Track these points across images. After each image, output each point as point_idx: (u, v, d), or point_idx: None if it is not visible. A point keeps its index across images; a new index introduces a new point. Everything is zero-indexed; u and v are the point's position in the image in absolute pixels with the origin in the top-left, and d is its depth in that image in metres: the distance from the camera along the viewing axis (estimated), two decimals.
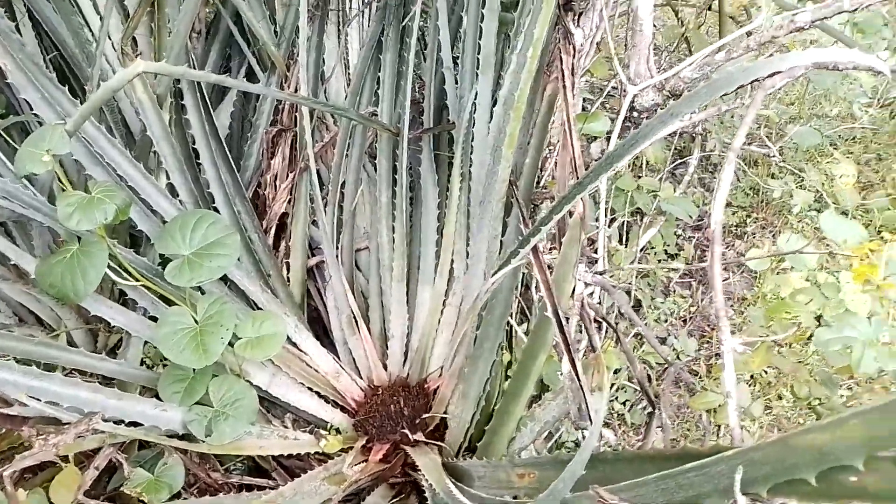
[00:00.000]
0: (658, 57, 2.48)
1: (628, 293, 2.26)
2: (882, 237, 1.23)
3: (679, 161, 2.50)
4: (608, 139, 1.31)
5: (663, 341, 2.25)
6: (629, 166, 2.20)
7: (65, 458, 1.22)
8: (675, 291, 2.43)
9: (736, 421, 0.73)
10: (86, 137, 1.32)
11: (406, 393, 1.65)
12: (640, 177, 2.16)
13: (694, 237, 2.58)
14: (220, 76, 1.21)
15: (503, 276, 1.07)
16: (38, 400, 1.05)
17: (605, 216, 1.47)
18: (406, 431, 1.52)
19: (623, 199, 2.10)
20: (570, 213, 1.00)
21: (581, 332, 1.07)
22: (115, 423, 1.13)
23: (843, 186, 2.01)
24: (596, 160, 1.31)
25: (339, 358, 1.66)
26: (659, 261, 2.46)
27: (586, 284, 0.99)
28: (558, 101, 1.17)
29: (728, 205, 2.67)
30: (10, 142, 1.40)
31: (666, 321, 2.32)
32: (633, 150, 0.85)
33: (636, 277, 2.32)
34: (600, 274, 1.01)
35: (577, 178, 1.03)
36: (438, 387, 1.58)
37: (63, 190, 1.16)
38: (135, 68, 1.02)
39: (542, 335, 1.04)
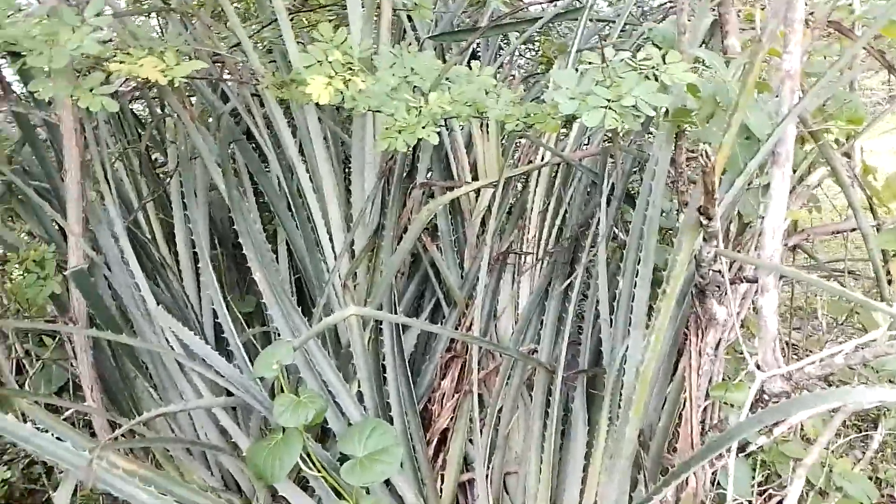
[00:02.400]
0: (821, 330, 2.46)
1: None
2: None
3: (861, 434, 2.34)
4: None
5: None
6: (795, 431, 2.13)
7: None
8: None
9: None
10: (304, 348, 1.71)
11: None
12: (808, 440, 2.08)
13: None
14: (409, 319, 1.55)
15: None
16: None
17: (750, 485, 1.49)
18: None
19: (789, 466, 2.02)
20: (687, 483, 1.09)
21: None
22: None
23: None
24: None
25: None
26: None
27: None
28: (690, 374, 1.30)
29: None
30: (255, 345, 1.85)
31: None
32: (731, 441, 0.96)
33: None
34: None
35: (694, 452, 1.14)
36: None
37: (281, 391, 1.51)
38: (349, 311, 1.38)
39: None
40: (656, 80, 1.08)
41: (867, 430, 2.30)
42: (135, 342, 1.64)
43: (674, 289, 1.18)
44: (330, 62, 1.26)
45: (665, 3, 2.90)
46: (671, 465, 1.33)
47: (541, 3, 2.16)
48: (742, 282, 1.29)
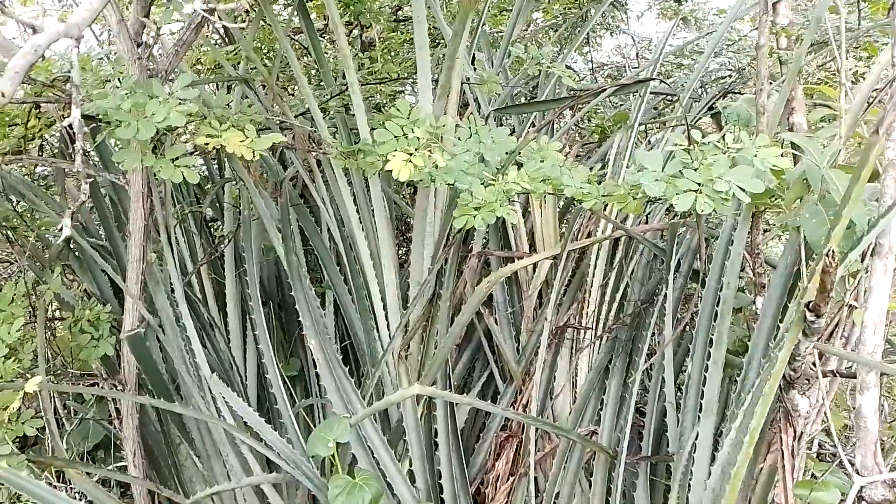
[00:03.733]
0: None
1: None
2: None
3: None
4: None
5: None
6: None
7: None
8: None
9: None
10: (358, 424, 1.65)
11: None
12: None
13: None
14: (471, 399, 1.49)
15: None
16: None
17: None
18: None
19: None
20: None
21: None
22: None
23: None
24: None
25: None
26: None
27: None
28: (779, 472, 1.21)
29: None
30: (308, 420, 1.79)
31: None
32: None
33: None
34: None
35: None
36: None
37: (334, 470, 1.45)
38: (412, 391, 1.33)
39: None
40: (752, 165, 1.05)
41: None
42: (187, 411, 1.61)
43: (773, 386, 1.11)
44: (406, 137, 1.25)
45: (721, 77, 2.90)
46: None
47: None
48: (835, 376, 1.21)
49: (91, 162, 2.00)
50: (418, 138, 1.27)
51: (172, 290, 1.88)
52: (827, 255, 0.88)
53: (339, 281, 2.01)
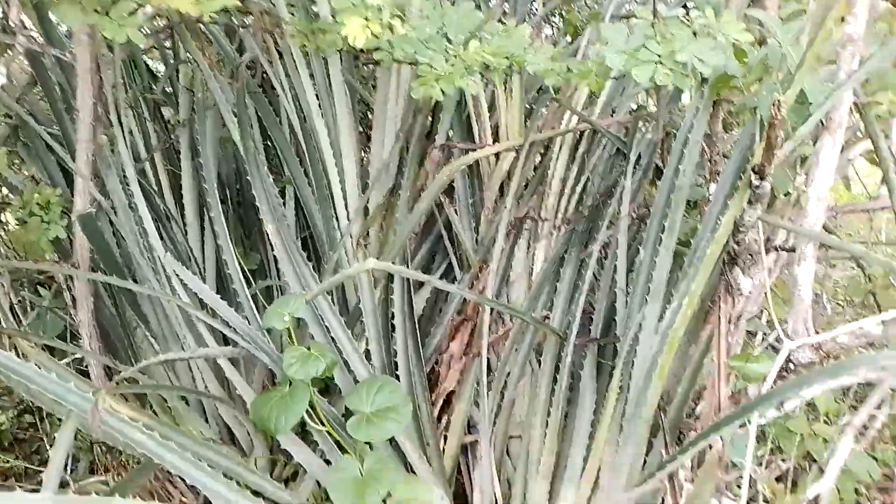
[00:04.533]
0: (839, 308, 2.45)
1: None
2: None
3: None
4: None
5: None
6: (804, 410, 2.12)
7: None
8: None
9: None
10: (314, 303, 1.67)
11: None
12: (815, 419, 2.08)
13: (878, 499, 2.32)
14: (425, 276, 1.52)
15: (638, 496, 1.14)
16: None
17: (754, 458, 1.47)
18: None
19: (792, 440, 2.02)
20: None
21: None
22: None
23: None
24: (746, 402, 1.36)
25: None
26: None
27: None
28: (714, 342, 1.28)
29: None
30: (262, 300, 1.81)
31: None
32: (769, 401, 0.94)
33: None
34: None
35: (719, 418, 1.11)
36: None
37: (291, 343, 1.48)
38: (367, 265, 1.34)
39: None
40: (713, 38, 1.04)
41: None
42: (140, 288, 1.60)
43: (715, 252, 1.15)
44: (366, 5, 1.21)
45: None
46: (690, 430, 1.31)
47: None
48: (778, 251, 1.26)
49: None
50: (379, 8, 1.23)
51: (125, 175, 1.84)
52: (773, 105, 0.90)
53: (298, 173, 1.98)
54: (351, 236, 1.79)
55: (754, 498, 1.75)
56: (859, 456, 2.04)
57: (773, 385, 1.37)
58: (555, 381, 1.77)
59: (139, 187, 1.83)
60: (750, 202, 1.09)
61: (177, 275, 1.65)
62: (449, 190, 2.05)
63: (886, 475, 2.36)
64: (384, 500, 1.44)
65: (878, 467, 2.11)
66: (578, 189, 1.95)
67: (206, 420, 1.89)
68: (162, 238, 1.96)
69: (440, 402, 1.85)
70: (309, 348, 1.46)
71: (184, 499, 1.65)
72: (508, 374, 1.86)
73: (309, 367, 1.41)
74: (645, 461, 1.35)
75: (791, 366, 1.24)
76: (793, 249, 1.23)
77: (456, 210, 1.96)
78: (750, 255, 1.29)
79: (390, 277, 1.84)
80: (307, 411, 1.53)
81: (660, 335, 1.36)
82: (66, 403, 1.19)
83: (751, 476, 1.56)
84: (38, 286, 2.49)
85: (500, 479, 1.80)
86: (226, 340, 1.70)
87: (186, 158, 2.10)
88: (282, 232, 1.72)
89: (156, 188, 2.10)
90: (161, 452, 1.28)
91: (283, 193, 2.15)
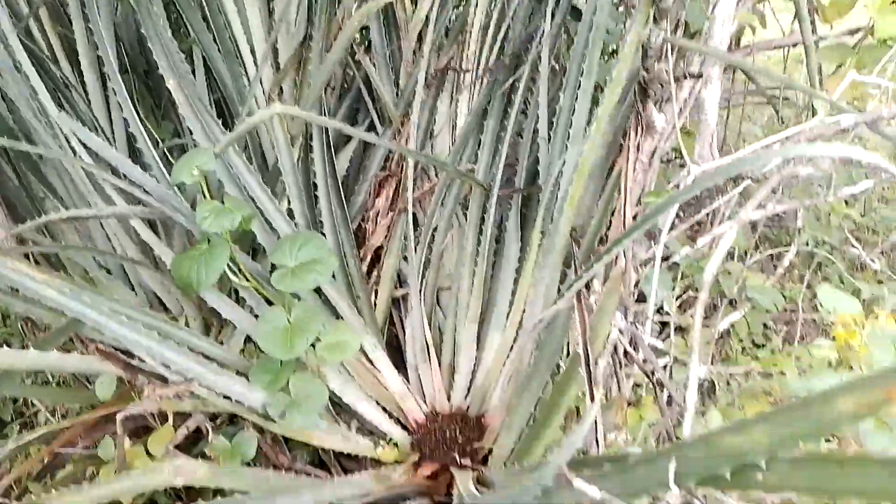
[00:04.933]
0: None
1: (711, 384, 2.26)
2: None
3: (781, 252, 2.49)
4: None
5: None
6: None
7: (164, 420, 1.47)
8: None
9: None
10: (229, 162, 1.61)
11: (463, 423, 1.77)
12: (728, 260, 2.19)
13: (784, 330, 2.53)
14: (339, 123, 1.47)
15: (549, 315, 1.20)
16: (153, 360, 1.29)
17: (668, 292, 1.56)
18: (456, 456, 1.64)
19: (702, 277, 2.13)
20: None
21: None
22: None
23: None
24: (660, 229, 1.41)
25: (408, 382, 1.83)
26: (743, 349, 2.44)
27: (620, 332, 1.10)
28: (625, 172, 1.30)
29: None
30: (171, 159, 1.73)
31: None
32: (669, 206, 0.97)
33: (713, 362, 2.32)
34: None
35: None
36: (494, 421, 1.70)
37: (204, 199, 1.44)
38: (273, 109, 1.28)
39: (573, 372, 1.15)
40: None
41: (782, 248, 2.45)
42: (36, 149, 1.50)
43: (620, 72, 1.14)
44: None
45: None
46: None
47: None
48: (686, 77, 1.26)
49: None
50: None
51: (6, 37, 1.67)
52: None
53: (202, 28, 1.85)
54: (261, 83, 1.70)
55: (668, 330, 1.87)
56: (769, 291, 2.19)
57: (681, 213, 1.42)
58: (481, 232, 1.80)
59: (24, 50, 1.67)
60: (655, 19, 1.08)
61: (76, 136, 1.55)
62: (367, 44, 1.96)
63: (792, 309, 2.56)
64: (313, 346, 1.47)
65: (783, 300, 2.28)
66: (500, 37, 1.89)
67: (133, 289, 1.86)
68: (63, 108, 1.84)
69: (369, 257, 1.87)
70: (223, 202, 1.43)
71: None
72: (435, 228, 1.88)
73: (223, 221, 1.38)
74: (559, 289, 1.41)
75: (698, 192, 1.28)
76: (700, 75, 1.24)
77: (374, 62, 1.89)
78: (661, 84, 1.29)
79: (310, 136, 1.78)
80: (231, 268, 1.52)
81: (572, 166, 1.37)
82: None
83: (664, 309, 1.67)
84: None
85: (430, 328, 1.86)
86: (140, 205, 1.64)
87: (78, 19, 1.92)
88: (185, 88, 1.62)
89: (48, 53, 1.93)
90: (81, 309, 1.26)
91: (190, 59, 2.02)
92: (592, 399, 0.99)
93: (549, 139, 1.71)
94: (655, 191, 1.56)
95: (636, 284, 1.58)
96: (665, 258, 1.99)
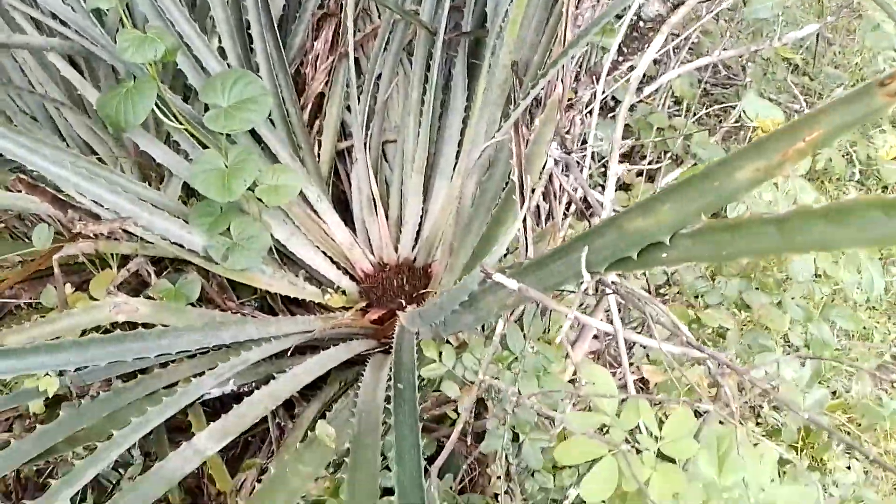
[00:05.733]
0: None
1: None
2: None
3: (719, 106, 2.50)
4: (619, 50, 1.38)
5: None
6: (662, 103, 2.23)
7: (104, 267, 1.46)
8: None
9: None
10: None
11: (410, 273, 1.80)
12: (672, 116, 2.20)
13: None
14: None
15: (486, 147, 1.18)
16: (83, 197, 1.25)
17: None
18: (402, 301, 1.68)
19: (649, 133, 2.14)
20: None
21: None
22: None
23: (885, 157, 2.01)
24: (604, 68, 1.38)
25: (355, 234, 1.83)
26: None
27: (556, 161, 1.10)
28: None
29: None
30: None
31: None
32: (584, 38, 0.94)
33: None
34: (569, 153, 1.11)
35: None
36: (440, 269, 1.73)
37: (123, 27, 1.33)
38: None
39: (509, 203, 1.15)
40: None
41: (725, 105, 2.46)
42: None
43: None
44: None
45: None
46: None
47: None
48: None
49: None
50: None
51: None
52: None
53: None
54: None
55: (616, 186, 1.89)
56: (713, 147, 2.21)
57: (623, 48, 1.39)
58: (426, 80, 1.74)
59: None
60: None
61: None
62: None
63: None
64: (251, 189, 1.44)
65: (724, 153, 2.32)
66: None
67: (63, 139, 1.76)
68: None
69: (310, 105, 1.80)
70: (146, 32, 1.33)
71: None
72: (379, 75, 1.80)
73: (146, 51, 1.29)
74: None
75: (641, 23, 1.24)
76: None
77: None
78: None
79: None
80: (162, 110, 1.44)
81: None
82: None
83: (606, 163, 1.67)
84: None
85: (377, 180, 1.84)
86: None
87: None
88: None
89: None
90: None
91: None
92: (525, 225, 1.00)
93: None
94: (604, 27, 1.51)
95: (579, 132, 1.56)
96: (611, 108, 1.98)
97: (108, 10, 1.32)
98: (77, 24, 1.39)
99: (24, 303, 1.67)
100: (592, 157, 1.47)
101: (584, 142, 1.50)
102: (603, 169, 1.75)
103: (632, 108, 2.28)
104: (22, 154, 1.20)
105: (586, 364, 0.76)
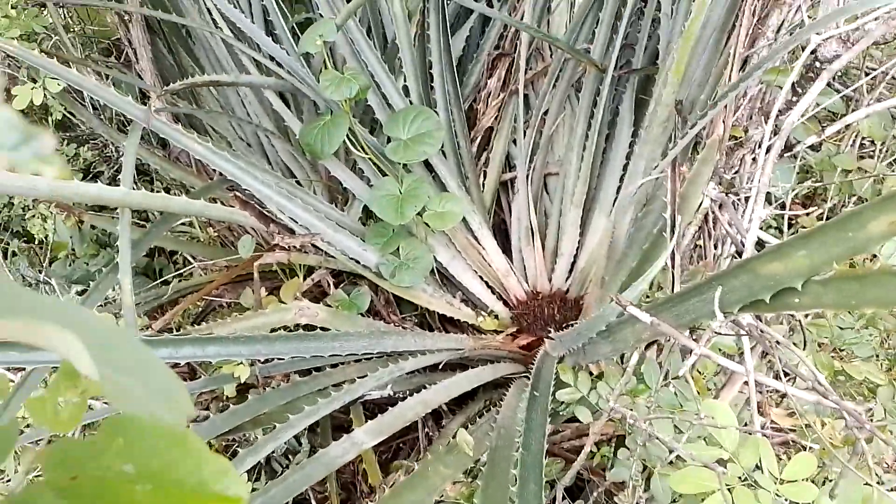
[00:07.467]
0: None
1: None
2: None
3: None
4: (793, 90, 1.34)
5: None
6: (851, 142, 2.06)
7: (293, 275, 1.68)
8: None
9: None
10: (351, 38, 1.70)
11: (562, 303, 1.85)
12: (863, 157, 2.04)
13: None
14: None
15: (642, 184, 1.21)
16: (282, 214, 1.47)
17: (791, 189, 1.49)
18: (551, 330, 1.73)
19: (832, 174, 2.00)
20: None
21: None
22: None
23: None
24: (780, 110, 1.35)
25: (512, 262, 1.91)
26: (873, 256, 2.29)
27: (712, 200, 1.09)
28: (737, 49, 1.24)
29: None
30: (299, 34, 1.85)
31: None
32: (750, 77, 0.94)
33: None
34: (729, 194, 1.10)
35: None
36: (591, 301, 1.76)
37: (326, 68, 1.55)
38: None
39: (660, 240, 1.17)
40: None
41: None
42: (182, 20, 1.67)
43: None
44: None
45: None
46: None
47: None
48: None
49: None
50: None
51: None
52: None
53: None
54: None
55: (782, 224, 1.79)
56: None
57: (798, 88, 1.34)
58: (591, 115, 1.79)
59: None
60: None
61: (217, 7, 1.69)
62: None
63: None
64: (420, 214, 1.59)
65: None
66: None
67: (269, 162, 2.06)
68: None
69: (479, 139, 1.92)
70: (343, 73, 1.53)
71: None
72: (546, 111, 1.89)
73: (343, 89, 1.49)
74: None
75: (818, 64, 1.20)
76: None
77: None
78: None
79: (426, 13, 1.82)
80: (351, 141, 1.64)
81: (679, 34, 1.33)
82: (126, 113, 1.34)
83: (784, 204, 1.60)
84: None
85: (536, 211, 1.91)
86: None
87: None
88: None
89: None
90: (221, 163, 1.44)
91: None
92: (673, 262, 1.02)
93: (672, 14, 1.63)
94: (775, 69, 1.47)
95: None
96: (788, 148, 1.88)
97: (314, 53, 1.54)
98: (289, 65, 1.64)
99: (227, 302, 1.96)
100: (768, 199, 1.43)
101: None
102: (780, 211, 1.67)
103: (815, 147, 2.14)
104: (239, 175, 1.44)
105: (710, 402, 0.76)
